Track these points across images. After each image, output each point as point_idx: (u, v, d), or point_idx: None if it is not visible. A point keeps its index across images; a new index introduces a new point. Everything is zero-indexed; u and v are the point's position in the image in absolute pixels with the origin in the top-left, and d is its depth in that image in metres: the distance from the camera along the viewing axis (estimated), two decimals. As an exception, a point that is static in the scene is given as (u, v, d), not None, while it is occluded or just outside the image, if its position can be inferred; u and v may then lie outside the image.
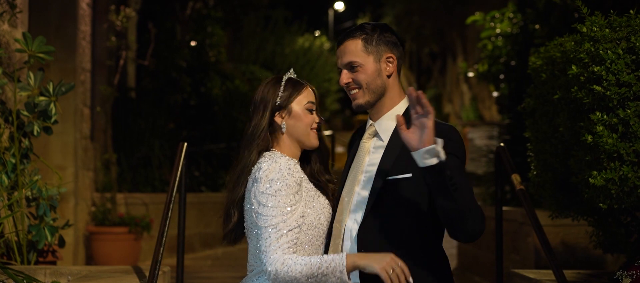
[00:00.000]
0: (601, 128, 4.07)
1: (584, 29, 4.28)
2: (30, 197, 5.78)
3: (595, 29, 4.21)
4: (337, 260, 3.03)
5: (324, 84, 20.90)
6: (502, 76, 11.00)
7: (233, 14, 13.96)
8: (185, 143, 5.28)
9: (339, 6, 38.12)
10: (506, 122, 10.94)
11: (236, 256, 11.58)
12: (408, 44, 35.79)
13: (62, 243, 6.08)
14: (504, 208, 7.62)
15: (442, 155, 2.93)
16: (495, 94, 12.02)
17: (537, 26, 9.26)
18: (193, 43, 13.08)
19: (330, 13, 37.47)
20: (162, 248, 4.75)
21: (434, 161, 2.94)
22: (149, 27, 11.58)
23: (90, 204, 10.18)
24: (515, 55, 10.58)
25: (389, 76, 3.36)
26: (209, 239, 11.92)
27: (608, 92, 4.06)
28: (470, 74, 11.69)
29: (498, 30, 10.82)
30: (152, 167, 11.42)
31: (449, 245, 11.89)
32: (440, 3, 30.67)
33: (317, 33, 30.09)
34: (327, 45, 25.29)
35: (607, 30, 4.19)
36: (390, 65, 3.37)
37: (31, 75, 5.71)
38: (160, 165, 11.45)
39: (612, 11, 4.31)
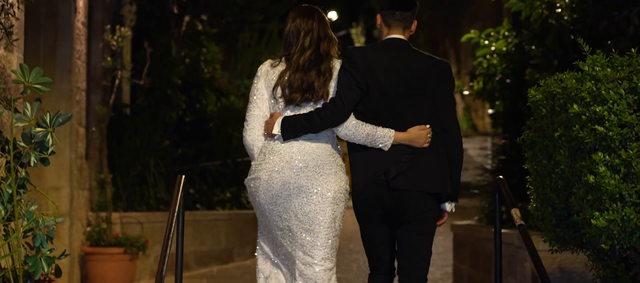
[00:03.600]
0: (603, 169, 4.07)
1: (586, 68, 4.28)
2: (27, 228, 5.74)
3: (597, 68, 4.21)
4: (387, 131, 4.57)
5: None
6: (497, 95, 11.01)
7: (228, 29, 13.94)
8: (183, 177, 5.26)
9: (332, 16, 38.15)
10: (502, 142, 10.93)
11: (231, 274, 11.55)
12: (401, 54, 35.78)
13: (58, 273, 6.03)
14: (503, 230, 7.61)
15: (276, 130, 4.51)
16: (490, 111, 12.02)
17: (533, 47, 9.25)
18: (187, 60, 13.06)
19: (324, 22, 37.47)
20: (162, 278, 4.73)
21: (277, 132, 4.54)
22: (144, 46, 11.55)
23: (85, 224, 10.14)
24: (511, 74, 10.58)
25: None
26: (205, 257, 11.88)
27: (610, 133, 4.06)
28: (466, 92, 11.66)
29: (493, 48, 10.81)
30: (147, 185, 11.37)
31: (444, 264, 11.87)
32: (434, 14, 30.72)
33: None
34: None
35: (608, 69, 4.19)
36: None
37: (28, 105, 5.66)
38: (155, 183, 11.41)
39: (613, 51, 4.31)
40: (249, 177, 4.62)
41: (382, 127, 4.60)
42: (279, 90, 4.56)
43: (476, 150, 28.09)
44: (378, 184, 4.58)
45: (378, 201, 4.61)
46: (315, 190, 4.45)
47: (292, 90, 4.53)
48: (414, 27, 4.81)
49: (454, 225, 11.10)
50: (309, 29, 4.63)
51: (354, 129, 4.55)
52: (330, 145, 4.59)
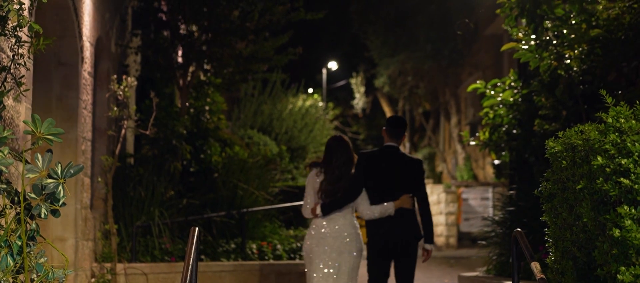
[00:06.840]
0: (629, 222, 4.00)
1: (609, 119, 4.22)
2: (36, 281, 5.64)
3: (621, 120, 4.16)
4: (389, 205, 7.58)
5: (321, 148, 20.85)
6: (503, 145, 10.93)
7: (232, 80, 13.91)
8: (197, 229, 5.17)
9: (333, 66, 38.26)
10: (509, 193, 10.84)
11: (236, 327, 11.40)
12: (401, 103, 35.88)
13: (66, 326, 5.93)
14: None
15: (319, 212, 7.67)
16: (496, 162, 11.95)
17: (542, 98, 9.20)
18: (192, 110, 13.01)
19: (324, 72, 37.60)
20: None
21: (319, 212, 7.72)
22: (150, 95, 11.51)
23: (90, 275, 10.02)
24: (518, 124, 10.52)
25: None
26: (209, 309, 11.72)
27: (636, 186, 3.99)
28: (472, 143, 11.59)
29: (500, 98, 10.76)
30: (152, 236, 11.26)
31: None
32: (434, 63, 30.79)
33: (310, 90, 30.13)
34: (320, 104, 25.34)
35: (633, 121, 4.13)
36: None
37: (39, 157, 5.60)
38: (160, 233, 11.30)
39: (637, 102, 4.26)
40: (309, 238, 7.74)
41: (382, 202, 7.60)
42: (320, 193, 7.66)
43: (477, 200, 28.00)
44: (384, 235, 7.58)
45: (384, 244, 7.63)
46: (348, 250, 7.66)
47: (327, 194, 7.66)
48: (404, 138, 7.87)
49: (462, 277, 10.98)
50: (340, 152, 7.71)
51: (371, 213, 7.63)
52: (353, 220, 7.74)
